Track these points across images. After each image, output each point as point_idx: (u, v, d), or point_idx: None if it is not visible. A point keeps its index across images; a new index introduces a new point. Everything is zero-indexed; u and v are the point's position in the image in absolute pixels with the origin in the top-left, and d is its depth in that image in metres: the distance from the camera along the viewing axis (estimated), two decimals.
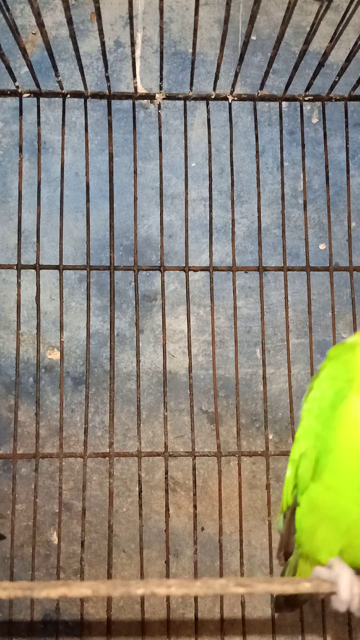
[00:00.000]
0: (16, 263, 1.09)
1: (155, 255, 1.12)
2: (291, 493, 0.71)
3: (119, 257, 1.12)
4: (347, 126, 1.13)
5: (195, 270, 1.11)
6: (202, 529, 1.07)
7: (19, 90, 1.10)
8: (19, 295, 1.07)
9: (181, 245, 1.12)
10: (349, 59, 1.01)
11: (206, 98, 1.12)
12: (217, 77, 1.06)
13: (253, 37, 1.15)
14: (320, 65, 1.02)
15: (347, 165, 1.13)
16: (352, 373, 0.64)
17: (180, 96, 1.12)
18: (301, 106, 1.14)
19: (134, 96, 1.12)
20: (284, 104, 1.15)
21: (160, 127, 1.12)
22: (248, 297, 1.13)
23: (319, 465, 0.65)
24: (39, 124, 1.11)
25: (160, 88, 1.11)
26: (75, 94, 1.11)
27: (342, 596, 0.60)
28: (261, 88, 1.11)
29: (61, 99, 1.12)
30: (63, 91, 1.10)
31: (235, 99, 1.12)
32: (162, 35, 0.93)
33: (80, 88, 1.12)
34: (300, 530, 0.70)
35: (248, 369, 1.11)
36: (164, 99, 1.13)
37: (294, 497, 0.71)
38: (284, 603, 0.82)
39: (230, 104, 1.13)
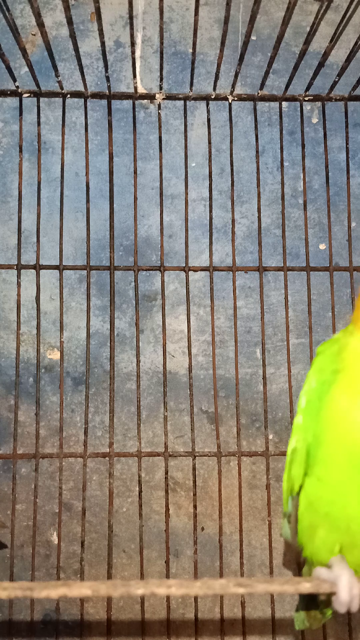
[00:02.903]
0: (16, 263, 1.09)
1: (155, 255, 1.12)
2: (287, 498, 0.71)
3: (119, 257, 1.12)
4: (347, 126, 1.13)
5: (195, 270, 1.11)
6: (202, 529, 1.07)
7: (19, 90, 1.10)
8: (19, 295, 1.07)
9: (181, 245, 1.12)
10: (349, 59, 1.02)
11: (206, 98, 1.12)
12: (217, 77, 1.06)
13: (253, 37, 1.15)
14: (320, 65, 1.02)
15: (347, 165, 1.13)
16: (338, 364, 0.64)
17: (180, 96, 1.12)
18: (301, 106, 1.14)
19: (134, 96, 1.12)
20: (284, 104, 1.15)
21: (160, 127, 1.12)
22: (248, 297, 1.13)
23: (310, 458, 0.65)
24: (39, 124, 1.11)
25: (160, 88, 1.11)
26: (75, 94, 1.11)
27: (341, 597, 0.60)
28: (261, 88, 1.11)
29: (61, 99, 1.12)
30: (63, 91, 1.11)
31: (235, 99, 1.12)
32: (162, 35, 0.93)
33: (80, 88, 1.12)
34: (301, 531, 0.70)
35: (248, 369, 1.11)
36: (164, 99, 1.13)
37: (292, 499, 0.70)
38: (306, 618, 0.81)
39: (230, 104, 1.13)
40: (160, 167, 1.11)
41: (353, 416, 0.61)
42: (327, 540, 0.66)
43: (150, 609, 1.05)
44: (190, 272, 1.12)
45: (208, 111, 1.13)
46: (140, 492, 1.03)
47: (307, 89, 1.11)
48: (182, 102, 1.14)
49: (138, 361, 1.07)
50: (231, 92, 1.11)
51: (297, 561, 0.77)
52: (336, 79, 1.09)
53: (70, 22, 0.86)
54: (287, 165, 1.15)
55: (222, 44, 0.95)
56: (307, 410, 0.66)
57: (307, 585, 0.59)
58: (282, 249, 1.12)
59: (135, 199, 1.10)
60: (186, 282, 1.10)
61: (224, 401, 1.10)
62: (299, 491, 0.69)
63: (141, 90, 1.13)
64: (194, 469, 1.05)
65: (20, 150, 1.11)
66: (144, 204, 1.13)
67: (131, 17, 0.91)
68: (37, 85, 1.08)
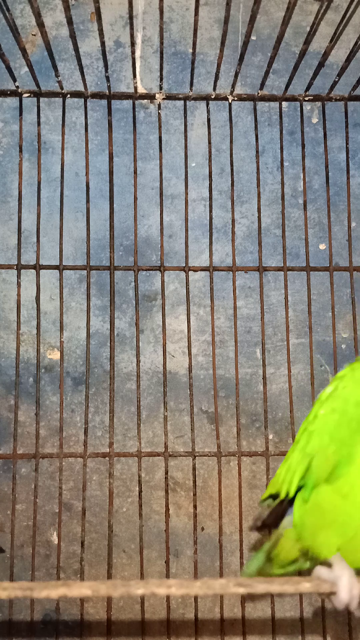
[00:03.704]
0: (16, 263, 1.09)
1: (155, 255, 1.12)
2: (297, 482, 0.70)
3: (119, 257, 1.12)
4: (347, 126, 1.13)
5: (195, 270, 1.11)
6: (202, 529, 1.07)
7: (19, 90, 1.10)
8: (19, 295, 1.07)
9: (181, 245, 1.12)
10: (349, 59, 1.02)
11: (206, 98, 1.12)
12: (217, 77, 1.06)
13: (253, 37, 1.15)
14: (320, 65, 1.02)
15: (347, 165, 1.13)
16: None
17: (180, 96, 1.12)
18: (301, 106, 1.14)
19: (134, 96, 1.12)
20: (284, 104, 1.15)
21: (160, 127, 1.12)
22: (248, 297, 1.13)
23: (338, 469, 0.65)
24: (39, 124, 1.11)
25: (160, 88, 1.11)
26: (75, 94, 1.11)
27: (341, 597, 0.61)
28: (261, 88, 1.11)
29: (61, 99, 1.12)
30: (63, 91, 1.11)
31: (235, 99, 1.13)
32: (162, 35, 0.93)
33: (80, 88, 1.12)
34: (302, 525, 0.69)
35: (248, 369, 1.11)
36: (164, 99, 1.13)
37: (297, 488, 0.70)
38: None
39: (230, 104, 1.13)
40: (160, 167, 1.11)
41: None
42: (329, 541, 0.66)
43: (150, 609, 1.05)
44: (190, 272, 1.12)
45: (208, 111, 1.13)
46: (140, 492, 1.03)
47: (307, 89, 1.11)
48: (182, 102, 1.14)
49: (138, 361, 1.07)
50: (231, 92, 1.11)
51: (256, 528, 0.78)
52: (336, 79, 1.09)
53: (70, 22, 0.86)
54: (287, 165, 1.15)
55: (222, 44, 0.95)
56: (349, 426, 0.64)
57: (307, 585, 0.59)
58: (282, 249, 1.12)
59: (135, 199, 1.10)
60: (186, 282, 1.10)
61: (224, 401, 1.10)
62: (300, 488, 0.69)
63: (141, 90, 1.13)
64: (194, 469, 1.05)
65: (20, 150, 1.11)
66: (144, 204, 1.13)
67: (131, 17, 0.91)
68: (37, 85, 1.08)
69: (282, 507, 0.73)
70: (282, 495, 0.72)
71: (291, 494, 0.70)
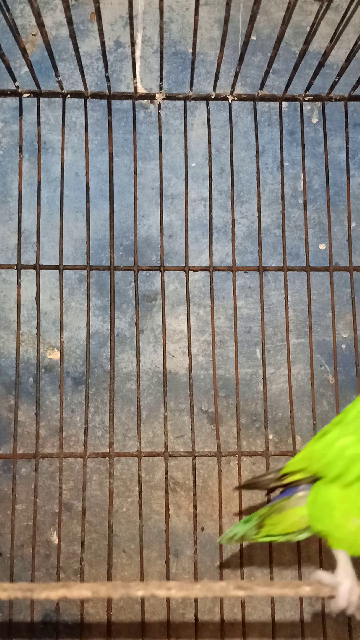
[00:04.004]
0: (16, 263, 1.09)
1: (155, 255, 1.12)
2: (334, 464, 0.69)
3: (119, 257, 1.12)
4: (347, 126, 1.13)
5: (195, 270, 1.11)
6: (202, 529, 1.07)
7: (19, 90, 1.10)
8: (19, 295, 1.07)
9: (181, 245, 1.12)
10: (349, 59, 1.01)
11: (206, 98, 1.12)
12: (217, 77, 1.06)
13: (253, 37, 1.15)
14: (320, 65, 1.02)
15: (347, 165, 1.13)
16: None
17: (180, 96, 1.12)
18: (301, 106, 1.13)
19: (134, 96, 1.12)
20: (284, 104, 1.15)
21: (160, 127, 1.12)
22: (248, 297, 1.13)
23: None
24: (39, 124, 1.11)
25: (160, 88, 1.11)
26: (75, 94, 1.11)
27: (339, 603, 0.61)
28: (261, 88, 1.11)
29: (61, 99, 1.12)
30: (63, 91, 1.10)
31: (235, 99, 1.12)
32: (162, 35, 0.93)
33: (80, 88, 1.12)
34: (321, 508, 0.69)
35: (248, 369, 1.11)
36: (164, 99, 1.13)
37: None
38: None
39: (230, 104, 1.13)
40: (160, 167, 1.11)
41: None
42: (345, 535, 0.65)
43: (150, 609, 1.05)
44: (190, 272, 1.12)
45: (208, 111, 1.13)
46: (140, 492, 1.03)
47: (307, 89, 1.10)
48: (182, 102, 1.13)
49: (138, 361, 1.07)
50: (231, 92, 1.11)
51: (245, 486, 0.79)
52: (336, 79, 1.09)
53: (70, 22, 0.86)
54: (287, 165, 1.15)
55: (222, 44, 0.95)
56: None
57: (307, 589, 0.59)
58: (282, 249, 1.12)
59: (135, 199, 1.10)
60: (186, 282, 1.10)
61: (224, 401, 1.10)
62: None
63: (141, 90, 1.13)
64: (194, 469, 1.05)
65: (20, 150, 1.11)
66: (144, 204, 1.13)
67: (131, 17, 0.91)
68: (37, 85, 1.08)
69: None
70: (308, 470, 0.71)
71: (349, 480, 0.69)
